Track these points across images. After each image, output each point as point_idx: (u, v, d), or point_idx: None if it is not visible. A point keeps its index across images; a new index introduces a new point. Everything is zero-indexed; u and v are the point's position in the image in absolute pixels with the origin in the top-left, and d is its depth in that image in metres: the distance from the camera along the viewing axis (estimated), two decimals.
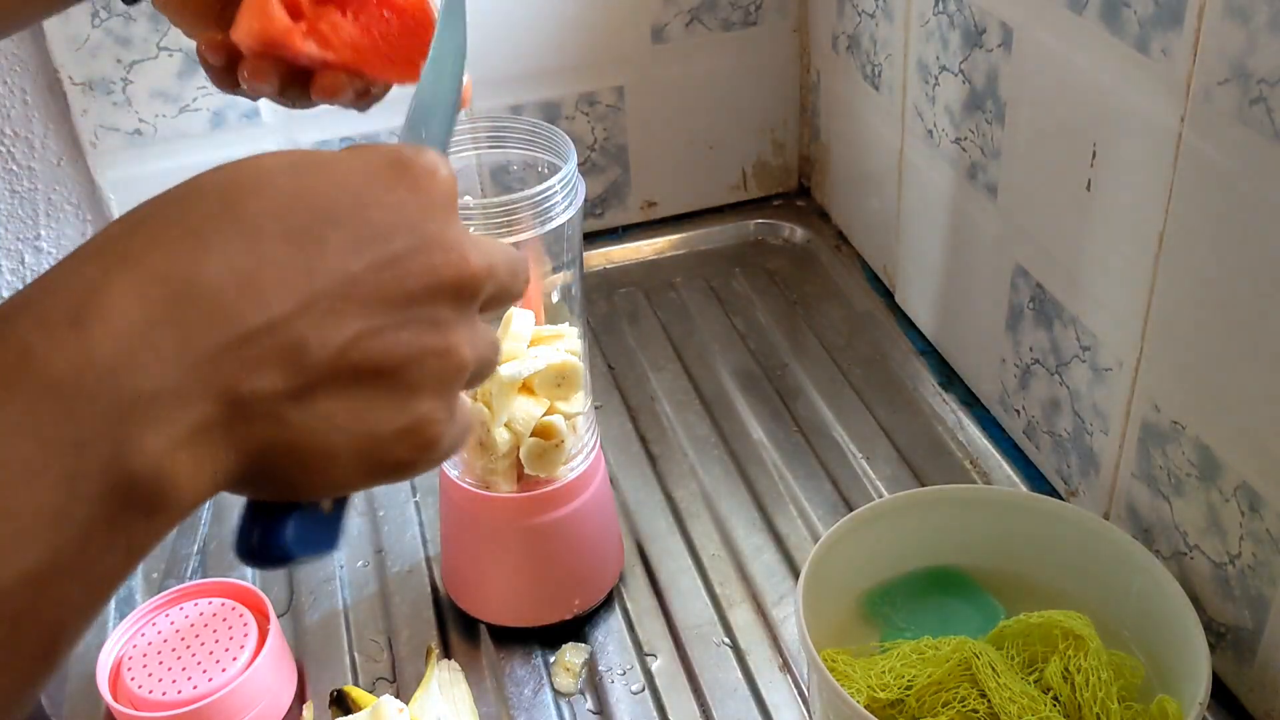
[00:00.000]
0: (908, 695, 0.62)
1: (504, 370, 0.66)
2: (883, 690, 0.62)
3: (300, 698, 0.73)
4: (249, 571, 0.82)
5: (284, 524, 0.36)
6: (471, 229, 0.62)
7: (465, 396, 0.39)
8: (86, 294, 0.31)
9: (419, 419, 0.36)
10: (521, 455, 0.69)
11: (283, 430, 0.33)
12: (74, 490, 0.29)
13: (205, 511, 0.86)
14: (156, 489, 0.31)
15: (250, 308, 0.32)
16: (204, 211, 0.33)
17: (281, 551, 0.36)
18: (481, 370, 0.39)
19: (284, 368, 0.33)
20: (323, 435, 0.34)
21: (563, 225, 0.63)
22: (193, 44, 0.56)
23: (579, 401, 0.70)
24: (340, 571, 0.82)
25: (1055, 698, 0.62)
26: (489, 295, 0.38)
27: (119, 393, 0.30)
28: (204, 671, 0.68)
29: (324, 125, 1.00)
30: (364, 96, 0.56)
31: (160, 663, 0.69)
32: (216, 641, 0.70)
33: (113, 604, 0.79)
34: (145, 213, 0.33)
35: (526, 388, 0.68)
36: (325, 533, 0.38)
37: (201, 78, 0.95)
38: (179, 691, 0.67)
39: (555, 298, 0.70)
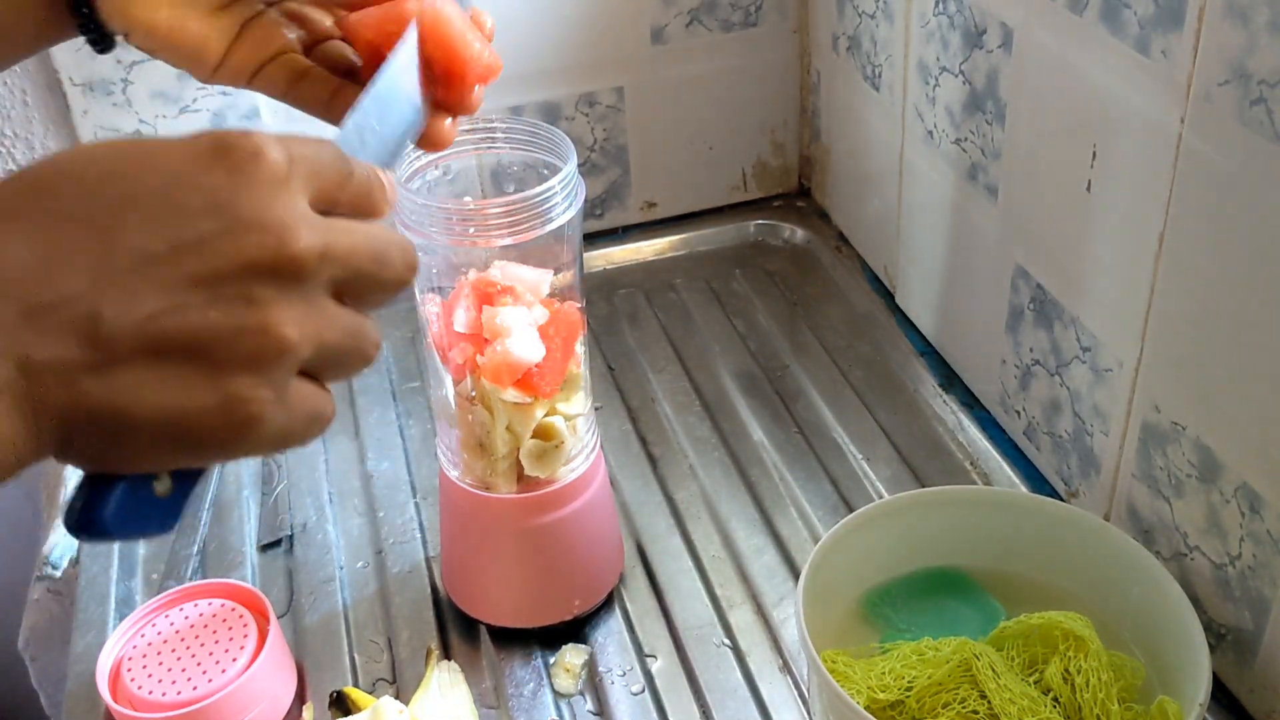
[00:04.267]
0: (908, 696, 0.62)
1: None
2: (883, 691, 0.62)
3: (300, 699, 0.73)
4: (249, 572, 0.82)
5: (107, 498, 0.37)
6: (471, 229, 0.62)
7: (303, 384, 0.39)
8: None
9: (229, 396, 0.36)
10: (522, 456, 0.69)
11: (81, 400, 0.34)
12: None
13: (205, 512, 0.86)
14: None
15: (43, 285, 0.34)
16: (11, 195, 0.35)
17: (98, 525, 0.37)
18: (335, 357, 0.39)
19: (78, 339, 0.34)
20: (124, 408, 0.35)
21: (563, 226, 0.63)
22: (161, 58, 0.55)
23: (579, 403, 0.70)
24: (340, 572, 0.82)
25: (1055, 699, 0.62)
26: (338, 279, 0.38)
27: None
28: (204, 672, 0.68)
29: (325, 128, 1.00)
30: None
31: (160, 664, 0.69)
32: (216, 642, 0.70)
33: (113, 605, 0.79)
34: None
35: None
36: (155, 514, 0.38)
37: None
38: (179, 692, 0.67)
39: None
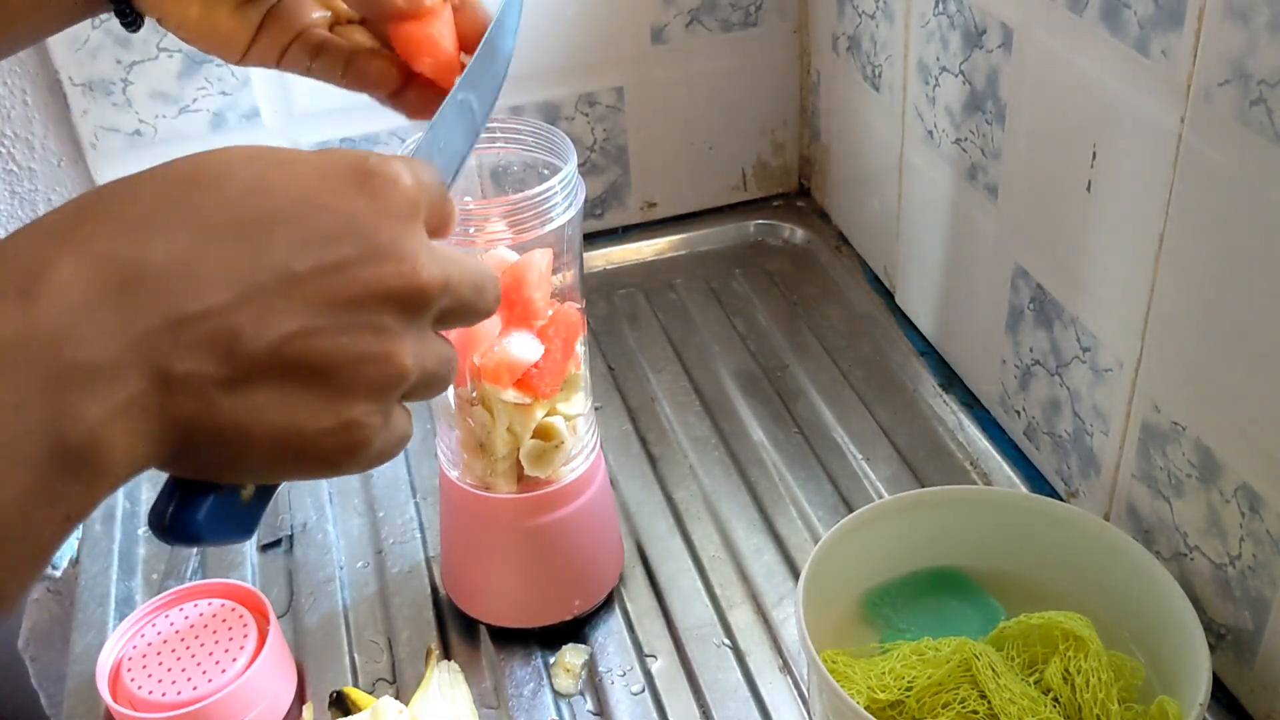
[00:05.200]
0: (908, 696, 0.62)
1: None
2: (883, 691, 0.62)
3: (300, 699, 0.73)
4: (249, 572, 0.82)
5: (199, 504, 0.38)
6: (471, 229, 0.62)
7: (399, 407, 0.41)
8: (37, 268, 0.32)
9: (348, 421, 0.37)
10: (521, 456, 0.69)
11: (211, 414, 0.35)
12: (14, 454, 0.31)
13: None
14: (93, 456, 0.32)
15: (189, 294, 0.34)
16: (156, 200, 0.35)
17: (191, 531, 0.38)
18: (428, 383, 0.40)
19: (216, 354, 0.34)
20: (248, 426, 0.35)
21: (563, 226, 0.63)
22: (192, 46, 0.57)
23: (579, 403, 0.70)
24: (340, 572, 0.82)
25: (1055, 699, 0.62)
26: (444, 309, 0.39)
27: (59, 361, 0.32)
28: (204, 672, 0.68)
29: (324, 127, 1.00)
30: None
31: (160, 664, 0.69)
32: (216, 642, 0.70)
33: (113, 605, 0.79)
34: (101, 195, 0.35)
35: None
36: (240, 520, 0.39)
37: (201, 79, 0.95)
38: (179, 693, 0.67)
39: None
